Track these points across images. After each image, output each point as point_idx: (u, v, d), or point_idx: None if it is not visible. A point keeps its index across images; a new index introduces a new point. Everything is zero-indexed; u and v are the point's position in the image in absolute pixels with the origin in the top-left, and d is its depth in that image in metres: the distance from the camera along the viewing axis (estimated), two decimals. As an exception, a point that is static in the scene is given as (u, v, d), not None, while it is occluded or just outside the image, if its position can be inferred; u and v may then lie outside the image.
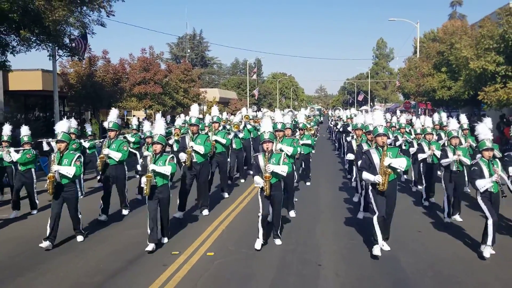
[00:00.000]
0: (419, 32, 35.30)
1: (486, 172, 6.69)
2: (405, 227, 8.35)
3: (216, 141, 10.81)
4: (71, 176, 7.52)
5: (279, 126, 9.10)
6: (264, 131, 7.44)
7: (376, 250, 6.71)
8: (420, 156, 10.50)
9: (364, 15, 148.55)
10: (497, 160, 6.97)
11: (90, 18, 15.27)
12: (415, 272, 6.21)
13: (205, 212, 9.56)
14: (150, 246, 7.21)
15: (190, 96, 33.34)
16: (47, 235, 7.42)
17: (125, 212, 9.70)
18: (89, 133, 13.19)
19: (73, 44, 16.96)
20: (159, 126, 7.84)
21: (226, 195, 11.28)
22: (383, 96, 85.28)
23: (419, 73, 25.10)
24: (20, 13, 12.51)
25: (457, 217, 8.82)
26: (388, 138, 9.14)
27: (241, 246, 7.37)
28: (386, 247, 7.09)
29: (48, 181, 7.50)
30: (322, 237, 7.93)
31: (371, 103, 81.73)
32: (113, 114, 9.59)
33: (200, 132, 9.83)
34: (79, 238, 7.94)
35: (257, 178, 7.22)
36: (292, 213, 9.35)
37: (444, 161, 8.78)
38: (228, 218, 9.22)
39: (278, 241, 7.51)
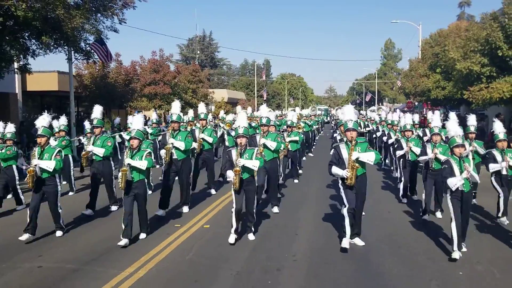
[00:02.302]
0: (421, 33, 36.20)
1: (456, 170, 6.62)
2: (384, 224, 8.88)
3: (203, 138, 10.95)
4: (51, 170, 7.65)
5: (264, 121, 9.66)
6: (238, 126, 7.55)
7: (345, 243, 6.89)
8: (398, 153, 10.91)
9: (374, 16, 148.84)
10: (469, 157, 6.98)
11: (104, 24, 16.65)
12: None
13: (185, 209, 9.57)
14: (123, 241, 7.25)
15: (199, 96, 34.64)
16: (26, 226, 7.58)
17: (114, 208, 9.78)
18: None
19: (92, 51, 18.31)
20: (137, 122, 7.88)
21: (213, 191, 11.46)
22: (391, 96, 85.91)
23: (417, 73, 26.14)
24: (41, 21, 13.85)
25: (438, 214, 9.14)
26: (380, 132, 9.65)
27: (218, 240, 7.62)
28: (360, 242, 7.25)
29: (28, 175, 7.65)
30: (298, 233, 8.16)
31: (380, 104, 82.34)
32: (97, 111, 9.74)
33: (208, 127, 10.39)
34: (58, 233, 7.96)
35: (228, 172, 7.34)
36: (275, 209, 9.50)
37: (421, 158, 9.33)
38: (209, 214, 9.44)
39: (251, 236, 7.61)
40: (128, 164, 7.38)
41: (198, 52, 76.24)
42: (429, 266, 6.49)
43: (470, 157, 7.24)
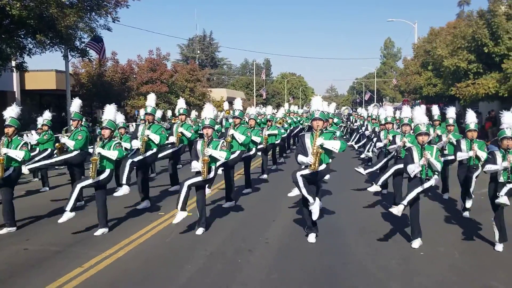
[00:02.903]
0: (416, 32, 36.52)
1: (416, 157, 6.79)
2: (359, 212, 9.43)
3: (181, 133, 11.06)
4: (20, 160, 7.77)
5: (236, 113, 9.94)
6: (205, 117, 7.83)
7: (311, 238, 7.12)
8: (378, 145, 11.13)
9: (374, 15, 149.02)
10: (433, 145, 7.18)
11: (98, 23, 17.05)
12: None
13: (144, 204, 9.42)
14: (99, 231, 7.55)
15: (196, 95, 35.06)
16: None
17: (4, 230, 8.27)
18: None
19: (88, 49, 18.76)
20: (108, 113, 8.00)
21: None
22: (391, 95, 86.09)
23: (410, 71, 26.47)
24: (36, 20, 14.25)
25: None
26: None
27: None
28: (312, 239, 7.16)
29: None
30: (276, 220, 8.56)
31: (380, 103, 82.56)
32: (75, 105, 9.64)
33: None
34: (3, 230, 7.74)
35: (194, 163, 7.49)
36: (226, 204, 9.48)
37: (391, 147, 9.68)
38: (193, 204, 8.97)
39: (199, 231, 7.55)
40: (99, 153, 7.47)
41: (198, 52, 76.78)
42: (392, 247, 6.85)
43: (439, 146, 7.65)
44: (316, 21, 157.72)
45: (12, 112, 8.19)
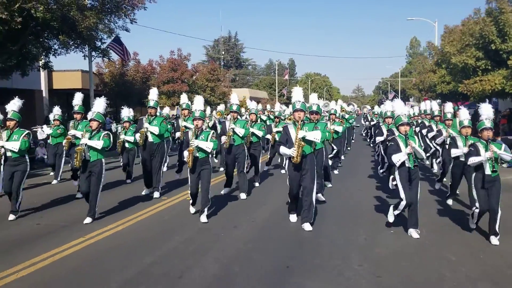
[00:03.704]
0: (437, 31, 36.44)
1: (402, 147, 6.91)
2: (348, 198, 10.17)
3: (185, 126, 11.56)
4: (16, 150, 8.06)
5: (234, 108, 10.15)
6: (195, 110, 8.08)
7: (292, 218, 7.59)
8: (378, 139, 11.51)
9: (399, 13, 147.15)
10: (414, 136, 7.53)
11: (117, 24, 18.04)
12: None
13: (156, 194, 9.83)
14: (87, 219, 7.73)
15: (217, 94, 35.94)
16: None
17: (11, 217, 8.43)
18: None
19: (110, 50, 19.87)
20: (98, 105, 8.12)
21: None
22: (417, 95, 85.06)
23: (425, 69, 26.60)
24: (59, 22, 15.29)
25: (319, 196, 9.25)
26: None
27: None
28: (308, 227, 7.21)
29: None
30: (267, 203, 9.50)
31: (405, 102, 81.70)
32: (78, 98, 10.36)
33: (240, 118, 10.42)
34: (11, 217, 8.06)
35: (184, 152, 7.76)
36: (243, 196, 9.74)
37: (378, 138, 10.43)
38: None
39: (203, 218, 7.72)
40: (85, 144, 7.68)
41: (223, 52, 78.00)
42: (364, 227, 7.44)
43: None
44: (342, 21, 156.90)
45: (14, 106, 8.54)
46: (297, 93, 7.56)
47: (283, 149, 7.16)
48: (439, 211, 8.57)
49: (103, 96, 8.73)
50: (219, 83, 37.14)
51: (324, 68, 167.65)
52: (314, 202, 7.37)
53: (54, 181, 12.13)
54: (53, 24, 15.21)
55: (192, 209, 8.25)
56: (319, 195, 9.39)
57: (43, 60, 18.24)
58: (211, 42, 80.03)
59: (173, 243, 6.64)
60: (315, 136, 7.12)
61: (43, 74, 23.41)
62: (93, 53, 19.71)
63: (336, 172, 13.24)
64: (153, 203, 9.35)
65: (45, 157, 15.41)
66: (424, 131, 12.91)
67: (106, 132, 8.00)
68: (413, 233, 6.83)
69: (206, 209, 7.80)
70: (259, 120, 15.96)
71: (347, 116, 16.94)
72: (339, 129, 12.50)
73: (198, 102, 8.24)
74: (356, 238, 6.81)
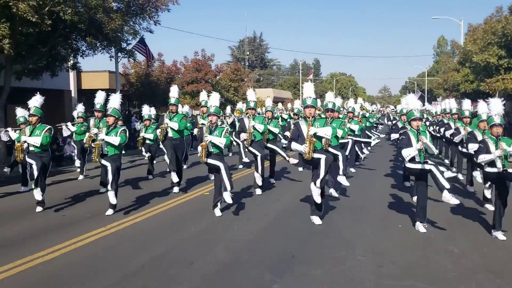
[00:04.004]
0: (462, 29, 35.89)
1: (413, 141, 6.92)
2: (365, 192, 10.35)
3: (202, 124, 11.49)
4: (38, 145, 8.48)
5: (251, 105, 10.44)
6: (210, 105, 8.28)
7: (316, 220, 7.48)
8: (393, 136, 12.17)
9: (427, 11, 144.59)
10: (426, 132, 7.44)
11: (141, 26, 18.65)
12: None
13: (176, 189, 10.17)
14: (109, 211, 8.15)
15: (240, 94, 36.37)
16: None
17: (39, 209, 8.86)
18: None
19: (135, 51, 20.53)
20: (113, 101, 8.41)
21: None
22: (443, 94, 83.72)
23: (449, 68, 26.36)
24: (86, 24, 15.94)
25: (332, 192, 9.41)
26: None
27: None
28: (317, 221, 7.47)
29: (17, 149, 8.76)
30: (280, 199, 10.01)
31: (432, 102, 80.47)
32: (100, 97, 10.15)
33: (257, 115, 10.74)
34: (38, 209, 8.54)
35: (199, 147, 8.03)
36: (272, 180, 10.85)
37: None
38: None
39: (217, 212, 8.01)
40: (102, 139, 8.02)
41: (248, 53, 78.50)
42: (373, 222, 7.65)
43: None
44: (369, 20, 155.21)
45: (36, 102, 8.84)
46: (308, 89, 7.61)
47: (294, 145, 7.27)
48: (448, 207, 8.63)
49: (119, 94, 8.86)
50: (242, 83, 37.57)
51: (350, 68, 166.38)
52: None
53: (81, 177, 12.67)
54: (80, 26, 15.88)
55: (218, 212, 8.13)
56: (332, 190, 9.62)
57: (71, 61, 18.99)
58: (236, 42, 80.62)
59: (187, 233, 7.01)
60: (326, 132, 7.17)
61: (72, 75, 24.25)
62: (119, 54, 20.41)
63: (353, 170, 13.43)
64: (171, 197, 9.73)
65: (73, 154, 16.05)
66: (442, 130, 13.01)
67: (123, 128, 8.32)
68: (420, 227, 6.98)
69: (219, 204, 8.08)
70: (280, 120, 16.33)
71: (367, 114, 16.92)
72: (355, 127, 12.62)
73: (214, 99, 8.38)
74: (364, 232, 7.03)
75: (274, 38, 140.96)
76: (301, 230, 7.13)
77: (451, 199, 6.64)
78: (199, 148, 7.95)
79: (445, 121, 13.42)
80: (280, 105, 25.30)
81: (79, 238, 6.71)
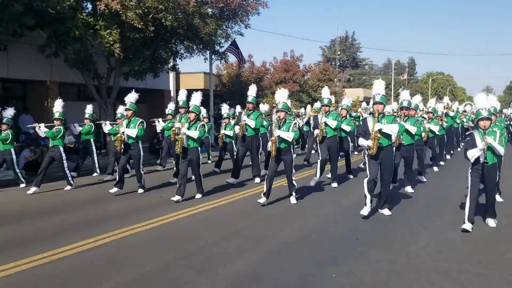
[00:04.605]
0: None
1: (478, 142, 6.80)
2: None
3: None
4: (134, 136, 9.56)
5: (325, 102, 10.61)
6: (278, 102, 8.62)
7: (364, 211, 7.42)
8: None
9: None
10: (496, 131, 6.91)
11: (233, 29, 19.96)
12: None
13: (257, 180, 11.13)
14: (176, 197, 8.79)
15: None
16: (115, 182, 9.79)
17: (140, 191, 10.14)
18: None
19: (228, 54, 22.03)
20: (195, 99, 9.15)
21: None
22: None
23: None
24: (184, 29, 17.51)
25: (408, 189, 9.96)
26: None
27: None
28: (387, 212, 7.77)
29: (117, 140, 9.89)
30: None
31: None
32: (132, 97, 10.06)
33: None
34: (140, 190, 9.94)
35: (269, 143, 8.48)
36: (334, 184, 10.60)
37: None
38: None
39: (293, 200, 8.62)
40: (184, 133, 8.78)
41: (339, 53, 78.00)
42: (443, 215, 7.93)
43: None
44: (468, 15, 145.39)
45: (131, 98, 9.82)
46: (378, 86, 7.76)
47: (361, 141, 7.50)
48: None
49: (200, 93, 9.32)
50: (331, 83, 37.83)
51: (448, 66, 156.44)
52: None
53: (159, 167, 14.27)
54: (179, 31, 17.51)
55: (262, 199, 8.46)
56: (408, 187, 9.89)
57: (171, 63, 20.86)
58: (327, 43, 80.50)
59: (262, 215, 7.85)
60: (392, 129, 7.28)
61: (171, 76, 26.43)
62: (213, 56, 21.96)
63: (436, 169, 13.39)
64: (224, 195, 9.80)
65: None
66: None
67: (202, 123, 8.99)
68: (490, 221, 7.10)
69: (293, 193, 8.63)
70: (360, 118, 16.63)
71: (451, 114, 16.44)
72: (435, 128, 12.52)
73: (281, 95, 8.72)
74: (431, 224, 7.32)
75: (368, 37, 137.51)
76: (369, 219, 7.59)
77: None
78: (269, 143, 8.44)
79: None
80: (364, 104, 25.34)
81: (178, 213, 7.90)
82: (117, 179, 9.88)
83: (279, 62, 33.42)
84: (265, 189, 8.47)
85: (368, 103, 35.89)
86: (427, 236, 6.62)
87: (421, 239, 6.45)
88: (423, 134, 12.59)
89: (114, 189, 9.70)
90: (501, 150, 6.73)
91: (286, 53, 33.66)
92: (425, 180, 11.31)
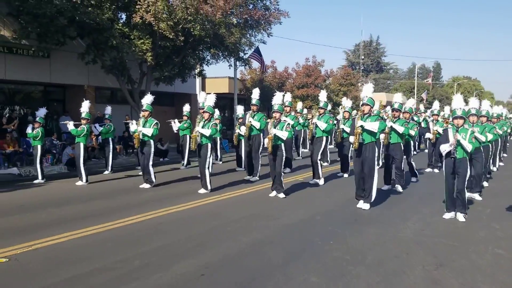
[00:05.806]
0: None
1: (451, 138, 7.43)
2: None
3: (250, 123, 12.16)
4: (150, 135, 10.33)
5: (321, 105, 11.86)
6: (274, 104, 9.45)
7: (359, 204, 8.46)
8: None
9: None
10: (468, 129, 7.55)
11: (256, 38, 21.27)
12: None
13: (254, 178, 11.84)
14: (202, 190, 9.86)
15: (349, 98, 37.64)
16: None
17: (147, 186, 10.69)
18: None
19: (251, 60, 23.40)
20: (209, 100, 9.82)
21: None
22: None
23: None
24: (211, 38, 18.90)
25: (398, 187, 10.48)
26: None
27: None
28: (363, 206, 8.39)
29: (135, 138, 10.55)
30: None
31: None
32: (148, 99, 10.85)
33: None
34: (146, 185, 10.53)
35: (265, 139, 9.24)
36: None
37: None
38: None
39: (281, 195, 9.32)
40: (197, 131, 9.48)
41: (363, 57, 78.50)
42: (433, 205, 8.96)
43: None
44: (495, 20, 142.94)
45: (147, 99, 10.57)
46: (366, 89, 8.44)
47: (351, 139, 8.37)
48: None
49: (214, 94, 10.02)
50: (352, 87, 38.76)
51: (475, 71, 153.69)
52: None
53: (182, 167, 15.22)
54: (206, 39, 18.90)
55: (274, 193, 9.46)
56: (398, 186, 10.54)
57: (198, 69, 22.33)
58: (351, 47, 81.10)
59: (277, 202, 9.07)
60: (373, 126, 8.02)
61: (198, 81, 27.93)
62: (237, 63, 23.37)
63: (436, 171, 13.99)
64: (232, 189, 10.64)
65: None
66: None
67: (214, 122, 9.65)
68: (459, 216, 7.63)
69: (280, 186, 9.25)
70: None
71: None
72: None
73: (277, 98, 9.58)
74: (422, 210, 8.46)
75: (392, 41, 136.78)
76: (369, 206, 8.71)
77: None
78: (266, 140, 9.19)
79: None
80: (388, 108, 26.19)
81: (208, 199, 9.19)
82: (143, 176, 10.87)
83: (301, 67, 34.63)
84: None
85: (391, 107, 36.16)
86: (416, 219, 7.74)
87: (410, 221, 7.57)
88: (430, 135, 13.60)
89: (146, 185, 10.69)
90: (468, 147, 7.32)
91: (308, 58, 34.87)
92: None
